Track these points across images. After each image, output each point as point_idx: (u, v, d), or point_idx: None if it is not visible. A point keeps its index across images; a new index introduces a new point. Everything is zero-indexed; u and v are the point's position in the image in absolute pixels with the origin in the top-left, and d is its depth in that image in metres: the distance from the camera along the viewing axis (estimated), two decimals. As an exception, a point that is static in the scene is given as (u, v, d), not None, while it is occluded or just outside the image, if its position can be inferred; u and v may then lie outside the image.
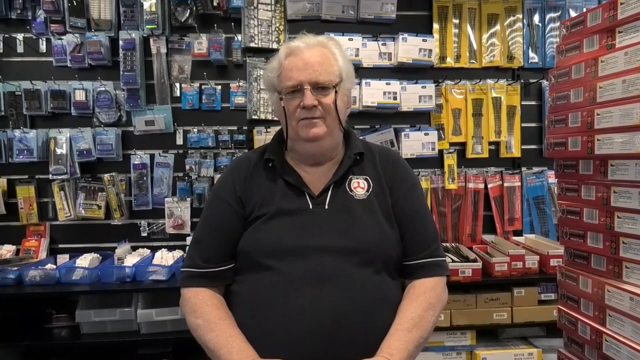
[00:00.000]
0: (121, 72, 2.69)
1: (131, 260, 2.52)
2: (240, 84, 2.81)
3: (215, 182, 1.56)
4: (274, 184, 1.39)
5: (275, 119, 2.81)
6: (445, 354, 2.52)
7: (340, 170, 1.39)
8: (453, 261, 2.46)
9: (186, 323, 1.33)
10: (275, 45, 2.80)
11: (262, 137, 2.79)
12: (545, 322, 2.51)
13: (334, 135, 1.40)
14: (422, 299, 1.30)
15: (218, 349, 1.21)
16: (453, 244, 2.83)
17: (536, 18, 2.95)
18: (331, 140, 1.39)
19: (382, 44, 2.83)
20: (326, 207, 1.35)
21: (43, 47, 2.76)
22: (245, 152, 1.70)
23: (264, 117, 2.81)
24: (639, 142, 0.97)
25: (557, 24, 2.95)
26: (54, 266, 2.51)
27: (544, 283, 2.53)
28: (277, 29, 2.80)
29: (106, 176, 2.75)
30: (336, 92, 1.35)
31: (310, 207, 1.35)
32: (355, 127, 2.85)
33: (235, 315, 1.30)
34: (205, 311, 1.28)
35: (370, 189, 1.39)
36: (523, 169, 2.94)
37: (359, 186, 1.39)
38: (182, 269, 1.40)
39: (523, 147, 2.94)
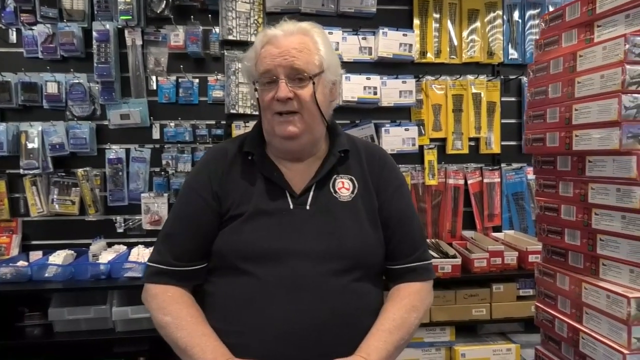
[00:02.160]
0: (95, 64, 2.62)
1: (106, 257, 2.46)
2: (218, 77, 2.76)
3: (186, 178, 1.47)
4: (252, 179, 1.31)
5: (255, 113, 2.77)
6: (424, 349, 2.52)
7: (323, 169, 1.32)
8: (433, 257, 2.45)
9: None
10: (253, 38, 2.75)
11: (241, 132, 2.74)
12: (523, 318, 2.52)
13: (314, 131, 1.30)
14: (406, 302, 1.26)
15: (190, 348, 1.16)
16: (433, 240, 2.83)
17: (516, 14, 2.95)
18: (310, 137, 1.30)
19: (363, 38, 2.81)
20: (307, 207, 1.28)
21: (13, 37, 2.66)
22: (221, 143, 1.59)
23: (242, 112, 2.77)
24: (616, 138, 0.95)
25: (537, 20, 2.95)
26: (26, 263, 2.44)
27: (522, 279, 2.54)
28: (255, 21, 2.76)
29: (80, 171, 2.68)
30: (314, 83, 1.24)
31: (291, 207, 1.28)
32: (336, 122, 2.82)
33: (208, 317, 1.25)
34: (175, 309, 1.23)
35: (356, 190, 1.32)
36: (502, 165, 2.95)
37: (344, 187, 1.32)
38: (149, 264, 1.32)
39: (503, 143, 2.95)
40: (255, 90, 1.29)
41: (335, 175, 1.33)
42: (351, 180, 1.34)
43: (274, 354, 1.16)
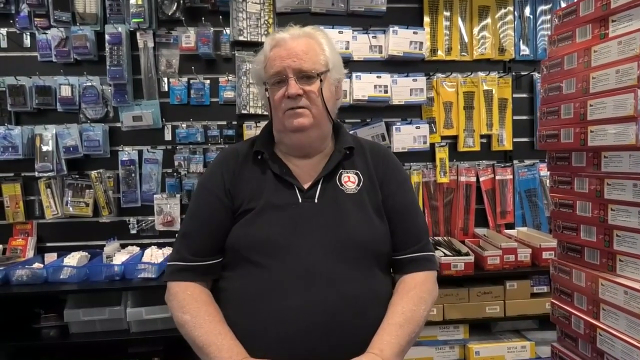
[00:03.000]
0: (107, 67, 2.64)
1: (120, 258, 2.47)
2: (229, 78, 2.77)
3: (200, 179, 1.52)
4: (263, 176, 1.37)
5: (265, 113, 2.78)
6: (438, 348, 2.51)
7: (330, 164, 1.37)
8: (445, 255, 2.45)
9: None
10: (264, 39, 2.76)
11: (252, 132, 2.76)
12: (537, 315, 2.51)
13: (322, 126, 1.37)
14: (413, 294, 1.28)
15: (207, 347, 1.18)
16: (445, 238, 2.82)
17: (527, 10, 2.93)
18: (319, 132, 1.37)
19: (373, 37, 2.81)
20: (316, 201, 1.32)
21: (27, 41, 2.70)
22: (233, 145, 1.67)
23: (253, 112, 2.78)
24: (632, 133, 0.95)
25: (549, 16, 2.93)
26: (42, 265, 2.47)
27: (536, 276, 2.53)
28: (266, 22, 2.77)
29: (94, 173, 2.71)
30: (321, 80, 1.32)
31: (300, 200, 1.32)
32: (346, 121, 2.82)
33: (224, 313, 1.28)
34: (194, 307, 1.26)
35: (361, 184, 1.37)
36: (515, 161, 2.93)
37: (350, 180, 1.37)
38: (168, 263, 1.37)
39: (515, 140, 2.93)
40: (266, 90, 1.35)
41: (341, 170, 1.38)
42: (356, 174, 1.39)
43: (291, 345, 1.18)
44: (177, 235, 1.42)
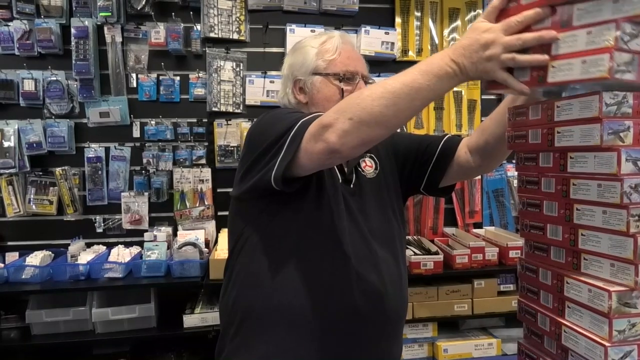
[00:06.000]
0: (73, 62, 2.57)
1: (85, 257, 2.42)
2: (200, 75, 2.74)
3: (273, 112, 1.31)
4: None
5: (237, 111, 2.76)
6: (407, 345, 2.53)
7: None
8: (415, 254, 2.47)
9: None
10: (235, 36, 2.74)
11: (223, 130, 2.73)
12: (504, 313, 2.56)
13: None
14: None
15: (415, 69, 1.06)
16: (415, 237, 2.84)
17: (496, 13, 2.98)
18: None
19: (345, 37, 2.81)
20: (352, 186, 1.35)
21: (-12, 33, 2.61)
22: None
23: (224, 109, 2.75)
24: (597, 135, 0.97)
25: (516, 19, 2.99)
26: (2, 265, 2.39)
27: (503, 274, 2.58)
28: (237, 19, 2.74)
29: (58, 170, 2.63)
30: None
31: (341, 182, 1.33)
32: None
33: (260, 293, 1.25)
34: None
35: (378, 167, 1.41)
36: (483, 162, 2.98)
37: (367, 165, 1.41)
38: (302, 121, 1.13)
39: (483, 140, 2.98)
40: (334, 80, 1.34)
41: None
42: (371, 157, 1.43)
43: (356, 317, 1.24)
44: (291, 127, 1.14)
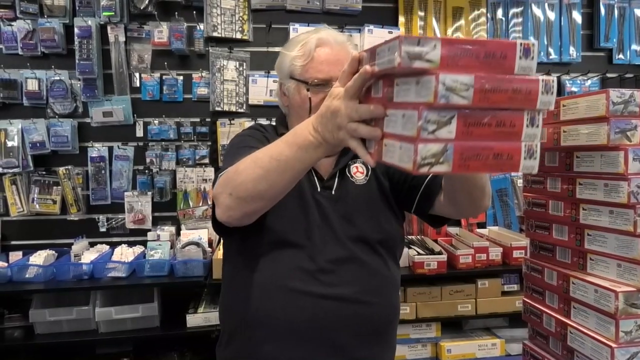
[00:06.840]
0: (77, 61, 2.58)
1: (89, 256, 2.42)
2: (203, 74, 2.74)
3: (233, 139, 1.40)
4: None
5: (240, 110, 2.76)
6: (410, 346, 2.53)
7: (346, 158, 1.36)
8: (419, 254, 2.46)
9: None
10: (239, 35, 2.73)
11: (226, 130, 2.73)
12: (508, 313, 2.55)
13: None
14: None
15: (280, 142, 1.03)
16: (419, 237, 2.84)
17: (499, 12, 2.98)
18: None
19: (348, 36, 2.80)
20: (333, 192, 1.32)
21: (-8, 33, 2.61)
22: (254, 124, 1.58)
23: (227, 109, 2.75)
24: (604, 134, 0.96)
25: (520, 18, 2.98)
26: (6, 264, 2.39)
27: (507, 274, 2.57)
28: (240, 18, 2.74)
29: (61, 169, 2.63)
30: None
31: (319, 190, 1.31)
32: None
33: (233, 299, 1.26)
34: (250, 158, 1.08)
35: (369, 174, 1.38)
36: (487, 162, 2.97)
37: (358, 171, 1.37)
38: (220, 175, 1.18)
39: (487, 140, 2.97)
40: (307, 90, 1.29)
41: (349, 162, 1.38)
42: (363, 164, 1.39)
43: (308, 333, 1.21)
44: (220, 171, 1.21)
